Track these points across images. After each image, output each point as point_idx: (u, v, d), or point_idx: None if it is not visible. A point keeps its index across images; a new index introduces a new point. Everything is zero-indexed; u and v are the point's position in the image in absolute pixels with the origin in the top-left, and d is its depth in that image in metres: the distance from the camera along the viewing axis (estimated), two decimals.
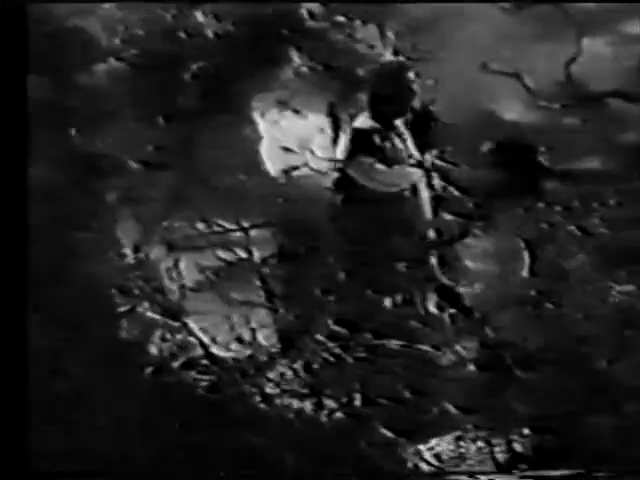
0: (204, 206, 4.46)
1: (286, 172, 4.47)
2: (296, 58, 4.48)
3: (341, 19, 4.53)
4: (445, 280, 4.45)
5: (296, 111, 4.47)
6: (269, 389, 4.37)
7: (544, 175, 4.47)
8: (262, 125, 4.49)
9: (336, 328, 4.41)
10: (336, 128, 4.47)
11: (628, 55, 4.49)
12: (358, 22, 4.53)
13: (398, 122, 4.52)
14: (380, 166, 4.46)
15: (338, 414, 4.35)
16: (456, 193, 4.46)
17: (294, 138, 4.48)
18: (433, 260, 4.46)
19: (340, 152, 4.48)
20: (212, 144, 4.46)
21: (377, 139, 4.48)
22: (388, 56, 4.51)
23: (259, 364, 4.39)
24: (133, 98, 4.47)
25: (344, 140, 4.48)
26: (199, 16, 4.51)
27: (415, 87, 4.47)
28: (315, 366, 4.39)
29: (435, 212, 4.50)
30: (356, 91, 4.50)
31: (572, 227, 4.45)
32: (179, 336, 4.41)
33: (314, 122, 4.48)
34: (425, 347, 4.39)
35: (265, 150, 4.48)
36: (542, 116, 4.50)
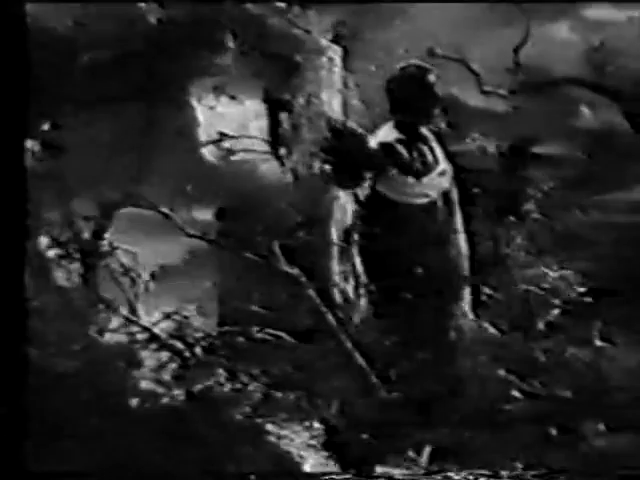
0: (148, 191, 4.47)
1: (224, 157, 4.48)
2: (232, 44, 4.48)
3: (280, 4, 4.52)
4: None
5: (232, 97, 4.47)
6: None
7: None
8: (199, 110, 4.49)
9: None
10: (272, 114, 4.47)
11: (585, 40, 4.51)
12: (297, 8, 4.53)
13: (424, 130, 4.39)
14: (409, 178, 4.32)
15: None
16: None
17: (231, 123, 4.49)
18: None
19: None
20: (150, 130, 4.47)
21: (403, 150, 4.33)
22: (325, 43, 4.50)
23: None
24: None
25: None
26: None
27: (438, 91, 4.33)
28: None
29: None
30: (293, 77, 4.49)
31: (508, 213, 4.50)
32: None
33: (251, 108, 4.48)
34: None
35: (203, 135, 4.48)
36: (489, 102, 4.53)
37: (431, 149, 4.33)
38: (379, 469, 4.24)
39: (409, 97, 4.32)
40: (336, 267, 4.49)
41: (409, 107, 4.32)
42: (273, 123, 4.45)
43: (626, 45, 4.43)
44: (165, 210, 4.40)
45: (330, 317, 4.35)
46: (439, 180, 4.35)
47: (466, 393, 4.28)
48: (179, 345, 4.35)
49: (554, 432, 4.26)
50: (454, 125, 4.37)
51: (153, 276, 4.38)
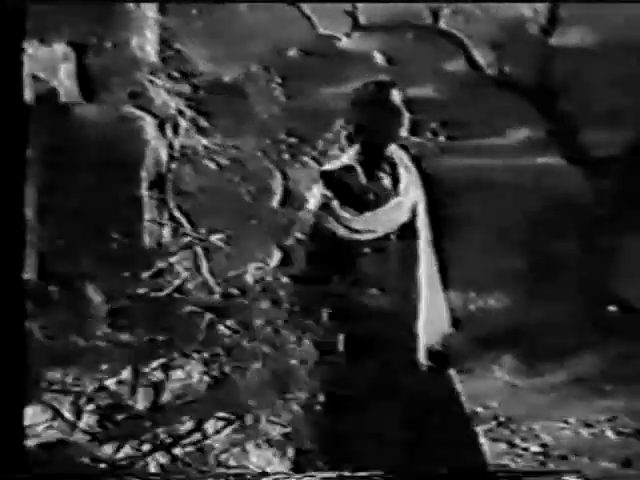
0: None
1: (38, 101, 4.41)
2: None
3: None
4: None
5: (41, 40, 4.40)
6: None
7: None
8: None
9: None
10: (79, 57, 4.41)
11: None
12: None
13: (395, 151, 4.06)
14: (349, 212, 3.98)
15: None
16: None
17: (41, 66, 4.42)
18: None
19: (312, 203, 4.05)
20: None
21: (362, 176, 4.00)
22: None
23: None
24: None
25: (316, 190, 4.05)
26: None
27: (402, 107, 4.05)
28: None
29: None
30: (102, 21, 4.43)
31: None
32: None
33: (59, 50, 4.42)
34: None
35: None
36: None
37: (394, 177, 4.02)
38: None
39: (372, 118, 4.03)
40: (147, 214, 4.48)
41: (372, 129, 4.03)
42: (80, 66, 4.40)
43: None
44: None
45: None
46: (393, 214, 3.98)
47: None
48: None
49: None
50: None
51: None
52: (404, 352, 3.96)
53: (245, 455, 4.18)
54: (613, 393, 4.32)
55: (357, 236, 3.95)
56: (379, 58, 4.48)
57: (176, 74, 4.51)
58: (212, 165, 4.51)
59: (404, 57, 4.45)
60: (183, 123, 4.52)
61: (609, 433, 4.14)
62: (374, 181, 4.00)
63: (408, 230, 3.96)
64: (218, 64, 4.52)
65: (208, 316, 4.39)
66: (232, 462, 4.19)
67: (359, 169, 4.00)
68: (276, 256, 4.38)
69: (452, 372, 4.08)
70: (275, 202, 4.50)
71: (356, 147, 4.02)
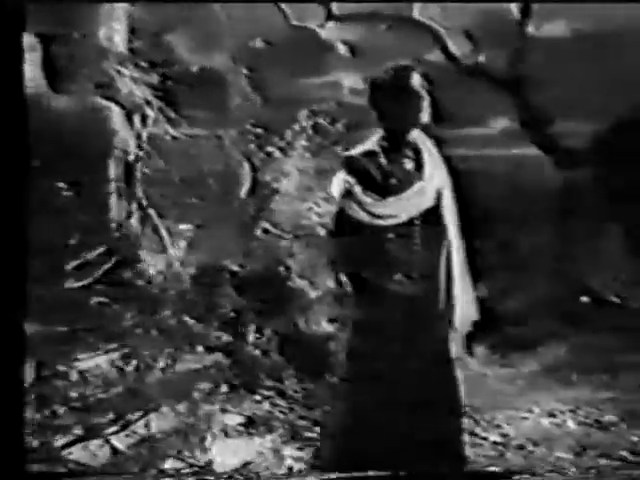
0: None
1: None
2: None
3: None
4: None
5: None
6: None
7: None
8: None
9: None
10: (45, 47, 4.40)
11: None
12: None
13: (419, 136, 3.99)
14: (372, 197, 3.93)
15: None
16: None
17: None
18: None
19: (335, 190, 3.97)
20: None
21: (381, 163, 3.95)
22: None
23: None
24: None
25: (339, 176, 3.98)
26: None
27: (423, 92, 3.98)
28: None
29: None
30: (69, 11, 4.42)
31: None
32: None
33: (25, 41, 4.41)
34: None
35: None
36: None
37: (418, 162, 3.97)
38: None
39: (393, 104, 3.97)
40: (114, 203, 4.50)
41: (394, 114, 3.97)
42: (46, 57, 4.41)
43: None
44: None
45: None
46: (416, 199, 3.93)
47: None
48: None
49: None
50: None
51: None
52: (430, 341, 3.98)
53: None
54: (579, 384, 4.35)
55: (380, 222, 3.91)
56: (342, 49, 4.49)
57: (144, 64, 4.52)
58: (180, 155, 4.53)
59: (377, 47, 4.46)
60: (151, 113, 4.54)
61: (570, 423, 4.16)
62: (397, 166, 3.97)
63: (432, 216, 3.95)
64: (187, 54, 4.53)
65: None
66: None
67: (381, 154, 3.98)
68: None
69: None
70: (243, 192, 4.53)
71: (379, 132, 3.99)
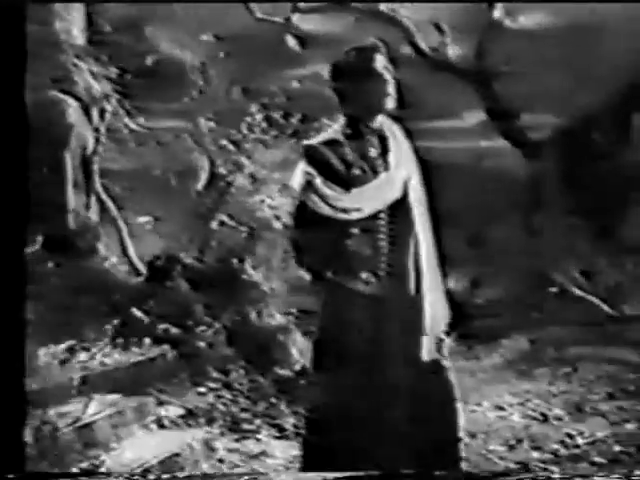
0: None
1: None
2: None
3: None
4: None
5: None
6: None
7: None
8: None
9: None
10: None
11: None
12: None
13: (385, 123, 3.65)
14: (334, 189, 3.61)
15: None
16: None
17: None
18: None
19: (295, 182, 3.64)
20: None
21: (344, 152, 3.62)
22: None
23: None
24: None
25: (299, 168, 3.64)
26: None
27: (387, 74, 3.59)
28: None
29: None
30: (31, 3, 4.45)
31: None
32: None
33: None
34: None
35: None
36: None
37: (384, 151, 3.65)
38: None
39: (356, 89, 3.61)
40: (71, 195, 4.53)
41: (357, 99, 3.61)
42: None
43: None
44: None
45: None
46: (382, 191, 3.63)
47: None
48: None
49: None
50: None
51: None
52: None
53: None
54: (537, 377, 4.31)
55: (343, 215, 3.59)
56: (291, 42, 4.49)
57: (103, 57, 4.55)
58: (138, 148, 4.56)
59: (344, 39, 4.44)
60: (109, 107, 4.57)
61: (515, 416, 4.11)
62: (361, 156, 3.62)
63: (400, 208, 3.61)
64: (146, 48, 4.55)
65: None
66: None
67: (344, 143, 3.62)
68: None
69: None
70: (200, 185, 4.54)
71: (341, 119, 3.63)
